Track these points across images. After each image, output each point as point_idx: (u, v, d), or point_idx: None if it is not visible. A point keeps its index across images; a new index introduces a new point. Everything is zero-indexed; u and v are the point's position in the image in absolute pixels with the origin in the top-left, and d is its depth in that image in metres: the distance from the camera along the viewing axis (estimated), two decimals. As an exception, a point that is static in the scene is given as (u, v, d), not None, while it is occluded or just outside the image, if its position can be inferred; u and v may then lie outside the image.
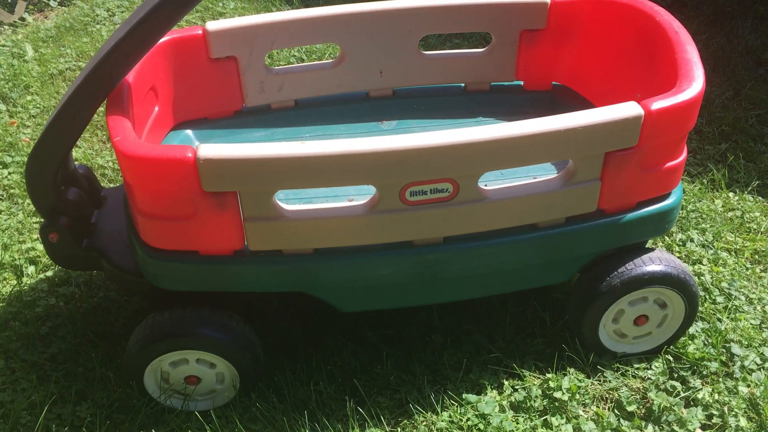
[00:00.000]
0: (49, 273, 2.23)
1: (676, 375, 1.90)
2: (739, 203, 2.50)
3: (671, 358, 1.93)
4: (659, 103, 1.63)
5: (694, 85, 1.68)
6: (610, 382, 1.87)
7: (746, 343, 1.97)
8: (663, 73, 1.83)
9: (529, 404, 1.80)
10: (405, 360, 1.94)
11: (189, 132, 2.12)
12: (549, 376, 1.85)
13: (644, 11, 1.93)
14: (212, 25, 2.02)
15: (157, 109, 1.99)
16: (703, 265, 2.22)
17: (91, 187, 1.98)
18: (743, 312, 2.07)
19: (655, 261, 1.83)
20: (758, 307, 2.09)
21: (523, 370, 1.89)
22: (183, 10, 1.57)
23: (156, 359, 1.75)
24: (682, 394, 1.84)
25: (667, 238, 2.33)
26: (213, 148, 1.52)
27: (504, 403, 1.82)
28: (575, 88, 2.21)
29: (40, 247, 2.30)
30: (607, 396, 1.85)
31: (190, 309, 1.76)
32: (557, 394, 1.81)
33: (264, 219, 1.61)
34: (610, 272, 1.82)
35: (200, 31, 2.02)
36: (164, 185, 1.57)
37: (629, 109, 1.62)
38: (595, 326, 1.88)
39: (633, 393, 1.85)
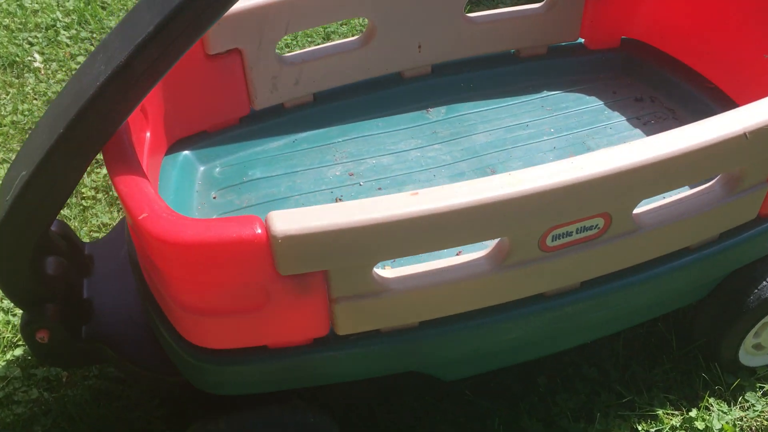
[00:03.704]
0: (18, 351, 1.71)
1: (826, 387, 1.62)
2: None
3: (813, 366, 1.64)
4: None
5: None
6: (754, 406, 1.57)
7: None
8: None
9: (677, 454, 1.49)
10: (512, 414, 1.57)
11: (188, 153, 1.62)
12: (692, 413, 1.53)
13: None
14: (207, 11, 1.50)
15: (149, 135, 1.48)
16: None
17: (71, 248, 1.47)
18: None
19: (809, 264, 1.50)
20: None
21: (655, 408, 1.55)
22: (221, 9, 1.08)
23: (215, 485, 1.31)
24: None
25: None
26: (292, 219, 1.06)
27: (647, 456, 1.49)
28: (654, 43, 1.81)
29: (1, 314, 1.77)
30: (764, 427, 1.54)
31: (252, 411, 1.32)
32: (711, 439, 1.50)
33: (359, 297, 1.17)
34: (757, 284, 1.49)
35: (191, 21, 1.50)
36: (222, 274, 1.10)
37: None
38: (737, 345, 1.56)
39: (789, 419, 1.55)
